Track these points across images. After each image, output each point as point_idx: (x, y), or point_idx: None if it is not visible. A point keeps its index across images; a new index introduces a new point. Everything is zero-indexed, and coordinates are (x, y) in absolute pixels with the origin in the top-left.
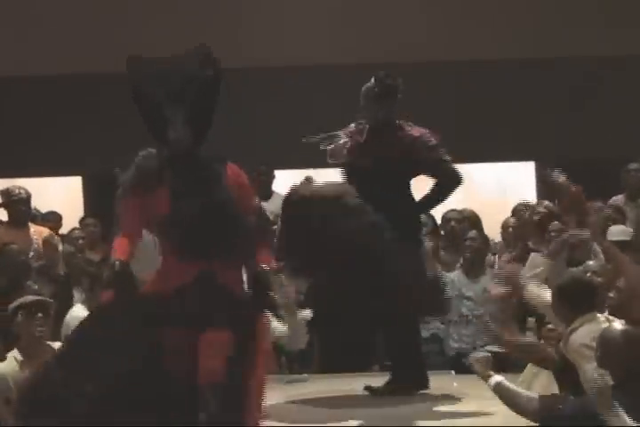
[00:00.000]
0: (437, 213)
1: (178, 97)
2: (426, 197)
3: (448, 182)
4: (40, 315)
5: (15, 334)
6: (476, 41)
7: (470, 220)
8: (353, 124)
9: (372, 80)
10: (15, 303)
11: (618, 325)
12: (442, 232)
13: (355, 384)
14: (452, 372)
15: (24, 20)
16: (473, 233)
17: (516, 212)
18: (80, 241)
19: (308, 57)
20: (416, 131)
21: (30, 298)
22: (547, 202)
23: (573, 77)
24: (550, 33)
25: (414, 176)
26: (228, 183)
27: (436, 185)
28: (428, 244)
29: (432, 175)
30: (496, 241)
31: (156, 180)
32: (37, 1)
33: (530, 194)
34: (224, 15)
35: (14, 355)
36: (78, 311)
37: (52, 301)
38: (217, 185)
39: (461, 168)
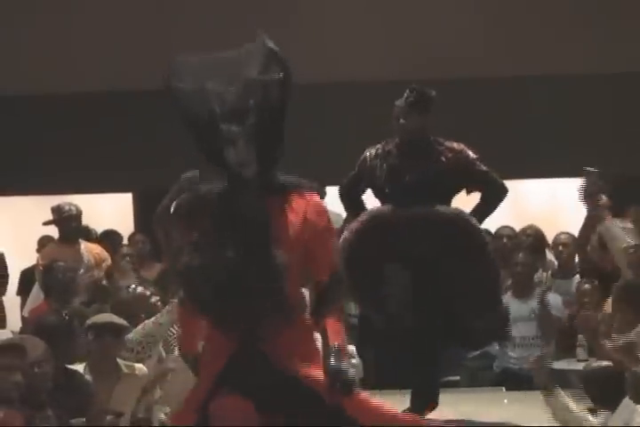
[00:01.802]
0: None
1: (237, 109)
2: (476, 211)
3: (496, 194)
4: (110, 336)
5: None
6: (528, 56)
7: (536, 236)
8: (379, 146)
9: (407, 92)
10: (88, 322)
11: None
12: None
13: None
14: (503, 388)
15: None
16: (521, 258)
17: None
18: (128, 258)
19: (360, 73)
20: (455, 144)
21: (102, 319)
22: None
23: (624, 93)
24: (600, 48)
25: (459, 191)
26: (300, 226)
27: (485, 198)
28: None
29: (478, 188)
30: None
31: (199, 216)
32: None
33: (579, 210)
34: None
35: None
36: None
37: (122, 322)
38: (282, 231)
39: (511, 184)
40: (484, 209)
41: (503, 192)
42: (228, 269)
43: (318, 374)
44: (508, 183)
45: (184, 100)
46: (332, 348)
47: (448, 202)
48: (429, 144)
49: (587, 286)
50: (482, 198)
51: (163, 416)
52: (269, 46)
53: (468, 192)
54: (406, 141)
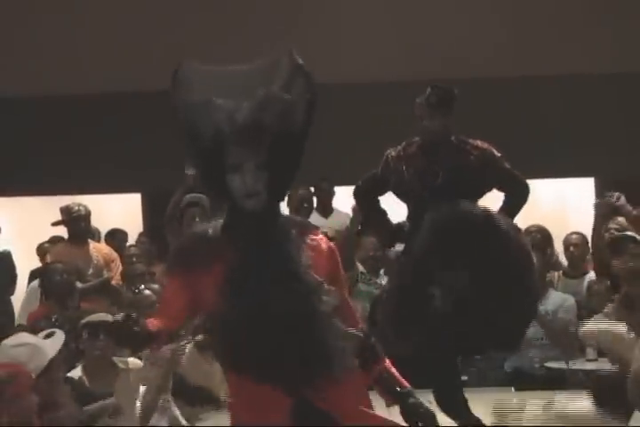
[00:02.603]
0: None
1: (249, 130)
2: (503, 211)
3: (522, 193)
4: (104, 336)
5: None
6: (537, 56)
7: (542, 235)
8: (400, 147)
9: (429, 90)
10: (83, 321)
11: None
12: None
13: None
14: (512, 388)
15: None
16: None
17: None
18: (134, 259)
19: (369, 73)
20: (480, 143)
21: (96, 318)
22: (620, 218)
23: (633, 93)
24: (610, 48)
25: (487, 190)
26: (318, 265)
27: (510, 197)
28: None
29: (503, 188)
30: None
31: (209, 252)
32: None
33: (589, 210)
34: (276, 32)
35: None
36: None
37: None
38: (301, 267)
39: None
40: (512, 210)
41: (527, 191)
42: (277, 321)
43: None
44: None
45: (188, 113)
46: (406, 390)
47: (475, 202)
48: (453, 144)
49: (598, 286)
50: (507, 197)
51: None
52: (295, 61)
53: (498, 190)
54: (430, 142)
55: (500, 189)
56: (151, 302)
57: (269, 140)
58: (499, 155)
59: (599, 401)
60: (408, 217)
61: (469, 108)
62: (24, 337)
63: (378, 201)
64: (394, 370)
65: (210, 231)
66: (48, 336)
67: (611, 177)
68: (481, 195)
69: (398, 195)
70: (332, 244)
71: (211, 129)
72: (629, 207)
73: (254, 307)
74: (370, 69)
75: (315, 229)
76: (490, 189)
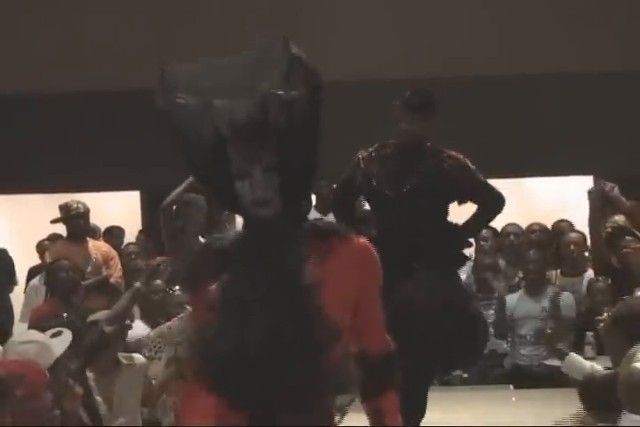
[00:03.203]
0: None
1: (252, 129)
2: (472, 222)
3: (494, 206)
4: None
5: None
6: (536, 55)
7: (544, 233)
8: (372, 148)
9: (409, 93)
10: (89, 319)
11: None
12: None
13: None
14: (511, 386)
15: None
16: (533, 255)
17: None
18: (133, 256)
19: (369, 71)
20: (454, 153)
21: (102, 316)
22: (617, 216)
23: (633, 92)
24: (610, 46)
25: (455, 200)
26: (350, 283)
27: (482, 209)
28: (489, 259)
29: (476, 200)
30: None
31: (217, 264)
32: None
33: (587, 208)
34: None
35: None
36: (138, 329)
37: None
38: (302, 287)
39: (519, 182)
40: (481, 221)
41: (501, 204)
42: (264, 343)
43: None
44: (517, 181)
45: (180, 118)
46: None
47: (445, 210)
48: (428, 150)
49: (600, 284)
50: (478, 209)
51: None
52: (292, 52)
53: (460, 203)
54: (405, 146)
55: (472, 200)
56: (178, 302)
57: (274, 140)
58: (473, 167)
59: (588, 403)
60: (376, 223)
61: (469, 106)
62: (32, 334)
63: (353, 207)
64: (395, 403)
65: (223, 242)
66: (55, 335)
67: (610, 175)
68: (448, 203)
69: (367, 199)
70: (369, 248)
71: (211, 134)
72: (623, 199)
73: (238, 329)
74: (369, 68)
75: (343, 233)
76: (460, 199)
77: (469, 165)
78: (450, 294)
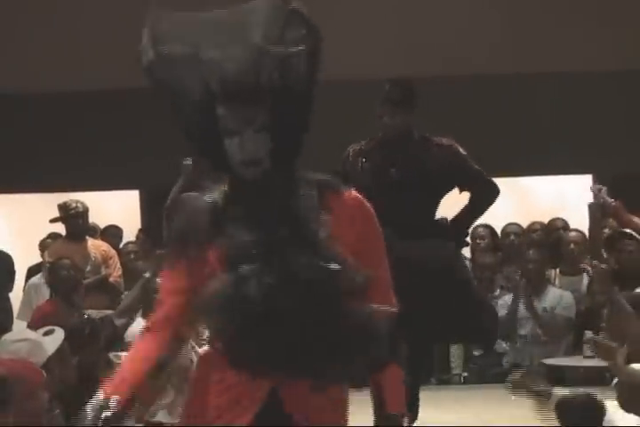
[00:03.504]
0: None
1: (244, 85)
2: (467, 212)
3: (488, 194)
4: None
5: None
6: (535, 54)
7: (544, 232)
8: (363, 142)
9: (388, 87)
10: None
11: None
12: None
13: None
14: (510, 385)
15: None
16: (532, 254)
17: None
18: (132, 255)
19: (366, 70)
20: (444, 140)
21: (96, 314)
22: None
23: (631, 91)
24: (609, 46)
25: (448, 190)
26: (349, 237)
27: (475, 198)
28: (489, 258)
29: (468, 188)
30: None
31: (207, 230)
32: None
33: (586, 207)
34: None
35: None
36: (138, 325)
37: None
38: (316, 242)
39: (519, 181)
40: (474, 210)
41: (495, 192)
42: (281, 299)
43: None
44: (516, 180)
45: (167, 71)
46: (390, 417)
47: (436, 202)
48: (415, 141)
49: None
50: (471, 199)
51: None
52: (292, 6)
53: (460, 191)
54: (390, 138)
55: (465, 188)
56: None
57: (268, 100)
58: (464, 153)
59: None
60: None
61: (468, 105)
62: (25, 333)
63: None
64: (399, 385)
65: (209, 202)
66: (48, 333)
67: (609, 174)
68: (440, 195)
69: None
70: (363, 203)
71: (199, 89)
72: (609, 199)
73: (255, 294)
74: (369, 67)
75: (337, 187)
76: (452, 189)
77: (460, 151)
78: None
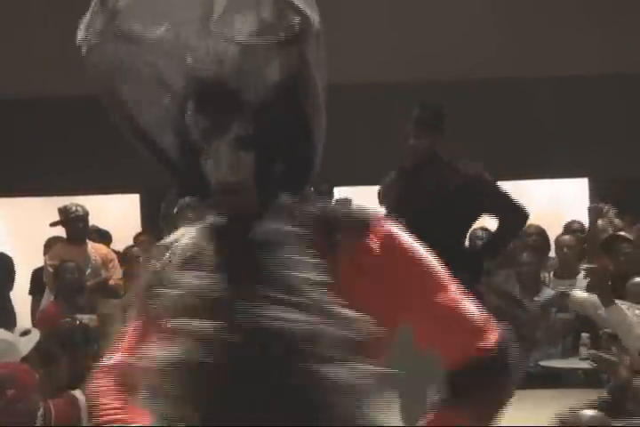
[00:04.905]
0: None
1: (216, 95)
2: (496, 238)
3: (516, 220)
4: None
5: None
6: (532, 57)
7: (540, 236)
8: (393, 172)
9: (417, 109)
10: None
11: None
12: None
13: None
14: None
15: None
16: (526, 257)
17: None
18: (140, 258)
19: (366, 74)
20: (470, 167)
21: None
22: (616, 221)
23: (630, 94)
24: (608, 48)
25: (476, 218)
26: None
27: (503, 224)
28: None
29: (496, 215)
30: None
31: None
32: None
33: (582, 210)
34: None
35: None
36: None
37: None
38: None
39: (515, 184)
40: (506, 237)
41: (524, 218)
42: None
43: None
44: (513, 183)
45: (126, 55)
46: None
47: (465, 230)
48: (440, 167)
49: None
50: (500, 225)
51: None
52: None
53: (491, 216)
54: (414, 165)
55: (492, 215)
56: None
57: (252, 103)
58: (490, 180)
59: None
60: None
61: (465, 108)
62: (1, 333)
63: None
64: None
65: (187, 240)
66: (24, 334)
67: (605, 177)
68: (468, 223)
69: None
70: (401, 240)
71: (161, 88)
72: (616, 220)
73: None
74: (370, 70)
75: (366, 226)
76: (479, 216)
77: (486, 178)
78: None
